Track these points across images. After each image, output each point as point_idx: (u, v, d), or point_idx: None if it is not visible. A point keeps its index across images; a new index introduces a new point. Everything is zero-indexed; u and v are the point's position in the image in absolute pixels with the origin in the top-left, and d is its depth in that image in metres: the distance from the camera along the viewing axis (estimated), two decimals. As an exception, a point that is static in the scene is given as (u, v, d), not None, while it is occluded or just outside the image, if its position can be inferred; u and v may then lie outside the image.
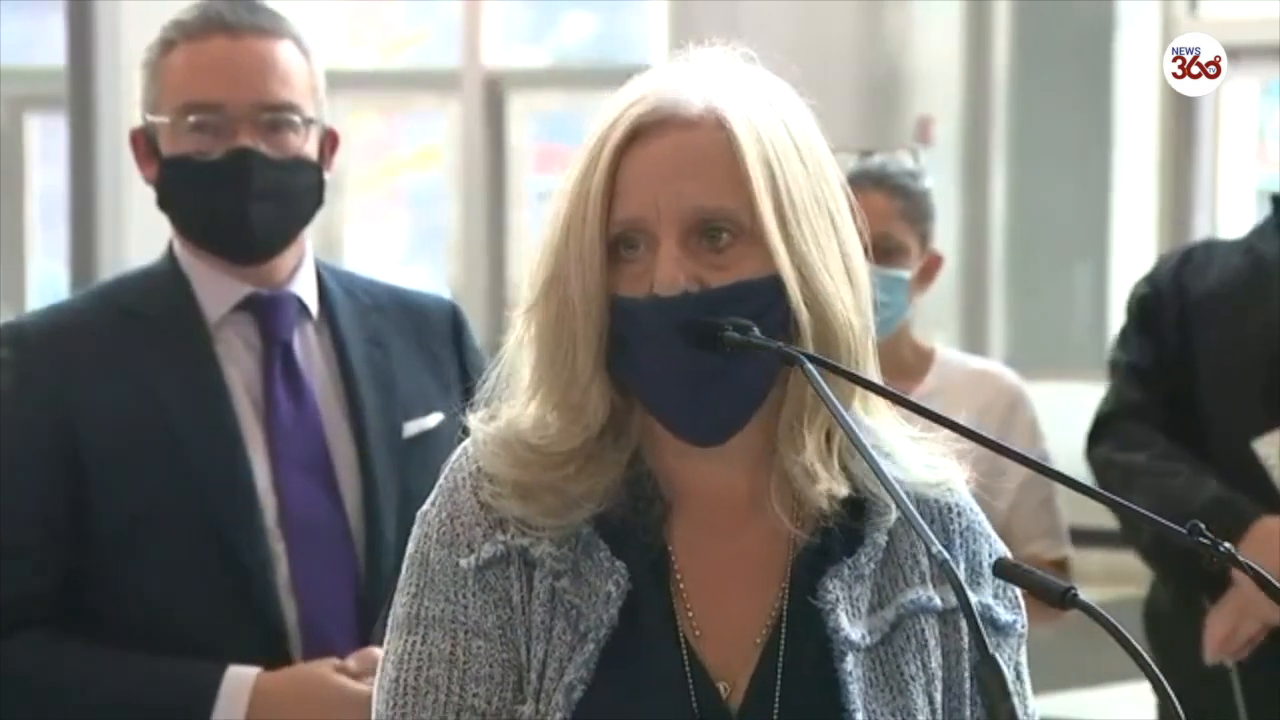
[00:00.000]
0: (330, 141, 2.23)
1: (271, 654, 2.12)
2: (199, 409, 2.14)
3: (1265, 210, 2.92)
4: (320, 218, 2.27)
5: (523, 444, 1.46)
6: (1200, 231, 6.47)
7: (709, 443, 1.45)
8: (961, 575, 1.47)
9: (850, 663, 1.45)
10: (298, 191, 2.18)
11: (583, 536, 1.45)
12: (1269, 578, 1.40)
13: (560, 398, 1.45)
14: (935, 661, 1.48)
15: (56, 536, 2.12)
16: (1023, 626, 1.52)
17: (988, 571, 1.51)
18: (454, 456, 1.49)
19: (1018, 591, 1.53)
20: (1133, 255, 6.86)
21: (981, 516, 1.55)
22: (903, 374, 2.72)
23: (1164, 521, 1.47)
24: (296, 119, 2.16)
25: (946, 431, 1.52)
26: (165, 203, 2.22)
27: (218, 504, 2.13)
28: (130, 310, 2.20)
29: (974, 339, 6.25)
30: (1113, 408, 2.84)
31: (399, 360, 2.24)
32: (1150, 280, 2.87)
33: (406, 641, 1.45)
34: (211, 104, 2.14)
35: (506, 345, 1.50)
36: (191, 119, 2.14)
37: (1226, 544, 1.40)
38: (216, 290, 2.19)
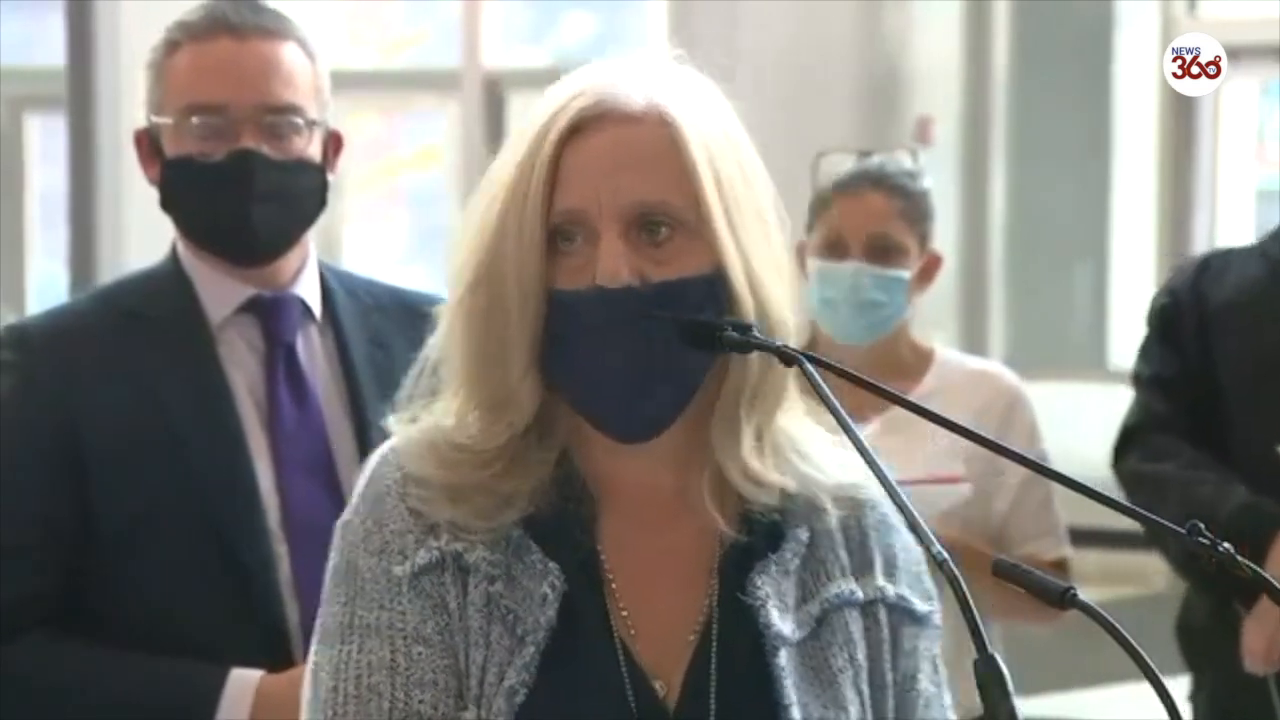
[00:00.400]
0: (334, 143, 2.23)
1: (273, 655, 2.12)
2: (201, 411, 2.14)
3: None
4: (320, 218, 2.27)
5: (449, 444, 1.45)
6: (1200, 232, 6.47)
7: (638, 440, 1.45)
8: (878, 568, 1.50)
9: (783, 657, 1.46)
10: (300, 193, 2.18)
11: (513, 539, 1.45)
12: (1270, 580, 1.40)
13: (489, 394, 1.44)
14: (861, 654, 1.50)
15: (58, 537, 2.12)
16: (938, 618, 1.54)
17: (902, 563, 1.53)
18: (373, 463, 1.48)
19: (931, 584, 1.54)
20: (1132, 256, 6.87)
21: (891, 511, 1.55)
22: (901, 374, 2.72)
23: (1164, 523, 1.47)
24: (300, 121, 2.16)
25: (945, 431, 1.52)
26: (168, 204, 2.22)
27: (219, 505, 2.13)
28: (133, 312, 2.20)
29: (973, 339, 6.26)
30: (1138, 420, 2.83)
31: (401, 361, 2.24)
32: (1169, 290, 2.87)
33: (342, 651, 1.43)
34: (215, 105, 2.14)
35: (430, 343, 1.49)
36: (194, 120, 2.14)
37: (1225, 544, 1.40)
38: (219, 292, 2.19)
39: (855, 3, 6.25)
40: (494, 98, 6.80)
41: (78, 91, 5.75)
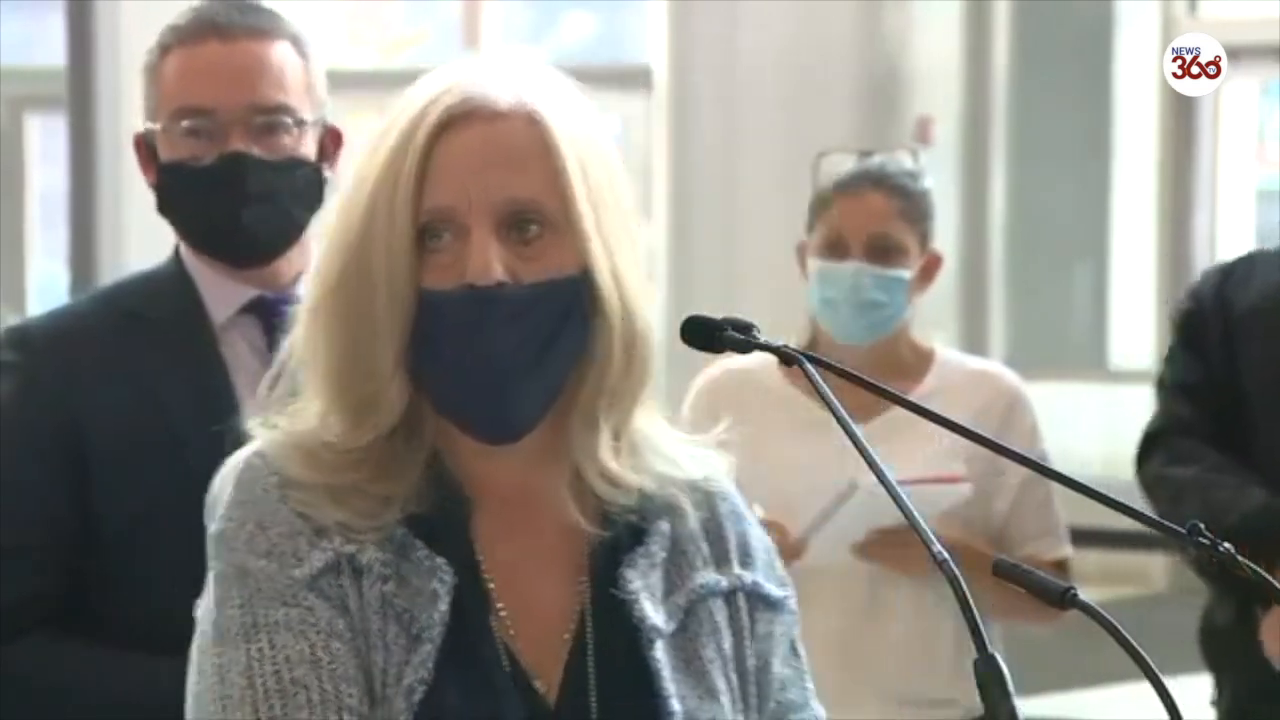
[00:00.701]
0: (333, 139, 2.22)
1: (272, 655, 2.12)
2: (203, 412, 2.14)
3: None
4: (320, 218, 2.26)
5: (321, 445, 1.43)
6: (1200, 232, 6.48)
7: (504, 440, 1.44)
8: (734, 556, 1.51)
9: (659, 650, 1.46)
10: (294, 192, 2.18)
11: (398, 538, 1.43)
12: (1269, 579, 1.40)
13: (354, 396, 1.42)
14: (727, 643, 1.51)
15: (59, 538, 2.12)
16: (794, 603, 1.55)
17: (755, 550, 1.54)
18: (237, 469, 1.45)
19: (784, 571, 1.56)
20: (1132, 256, 6.87)
21: (742, 502, 1.56)
22: (902, 374, 2.72)
23: (1164, 523, 1.47)
24: (289, 120, 2.15)
25: (946, 431, 1.52)
26: (164, 208, 2.22)
27: None
28: (135, 313, 2.20)
29: (973, 339, 6.26)
30: (1162, 425, 2.83)
31: None
32: (1193, 296, 2.86)
33: (249, 649, 1.40)
34: (203, 109, 2.13)
35: (287, 345, 1.47)
36: (184, 124, 2.14)
37: (1226, 544, 1.40)
38: (221, 293, 2.19)
39: (855, 3, 6.25)
40: (494, 98, 6.79)
41: (78, 92, 5.75)
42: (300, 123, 2.15)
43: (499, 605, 1.46)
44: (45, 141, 7.03)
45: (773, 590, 1.53)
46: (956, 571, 1.34)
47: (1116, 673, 2.64)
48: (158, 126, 2.16)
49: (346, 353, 1.43)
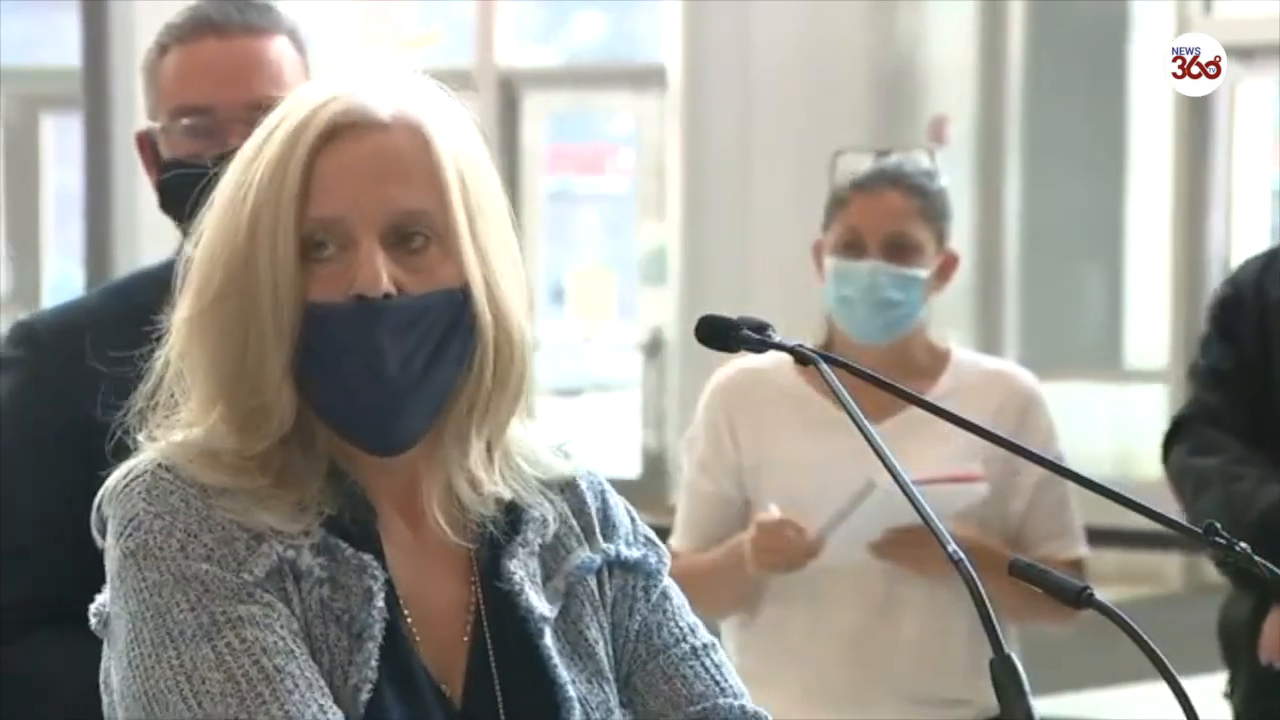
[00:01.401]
0: None
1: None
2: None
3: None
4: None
5: (219, 452, 1.42)
6: (1215, 232, 6.46)
7: (391, 452, 1.44)
8: (597, 529, 1.51)
9: (549, 637, 1.46)
10: None
11: (323, 541, 1.42)
12: (1284, 577, 1.39)
13: (241, 406, 1.41)
14: (605, 618, 1.51)
15: (65, 535, 2.12)
16: (657, 559, 1.54)
17: (617, 522, 1.53)
18: (136, 480, 1.43)
19: (646, 529, 1.56)
20: (1147, 256, 6.85)
21: (603, 477, 1.55)
22: (917, 374, 2.72)
23: (1180, 522, 1.47)
24: None
25: (962, 431, 1.52)
26: (166, 206, 2.23)
27: None
28: (143, 307, 2.20)
29: (988, 338, 6.25)
30: (1191, 411, 2.82)
31: None
32: (1232, 282, 2.86)
33: (214, 645, 1.37)
34: (202, 107, 2.14)
35: (164, 352, 1.46)
36: (184, 123, 2.15)
37: (1243, 544, 1.40)
38: None
39: (869, 2, 6.24)
40: (508, 97, 6.80)
41: (93, 91, 5.75)
42: None
43: (405, 612, 1.45)
44: (60, 141, 7.05)
45: (631, 554, 1.52)
46: (972, 571, 1.34)
47: (1132, 672, 2.64)
48: (159, 125, 2.17)
49: (232, 364, 1.41)
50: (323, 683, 1.38)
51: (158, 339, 2.16)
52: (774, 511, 2.66)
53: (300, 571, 1.41)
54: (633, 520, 1.55)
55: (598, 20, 7.45)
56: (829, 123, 5.75)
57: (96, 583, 2.13)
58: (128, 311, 2.19)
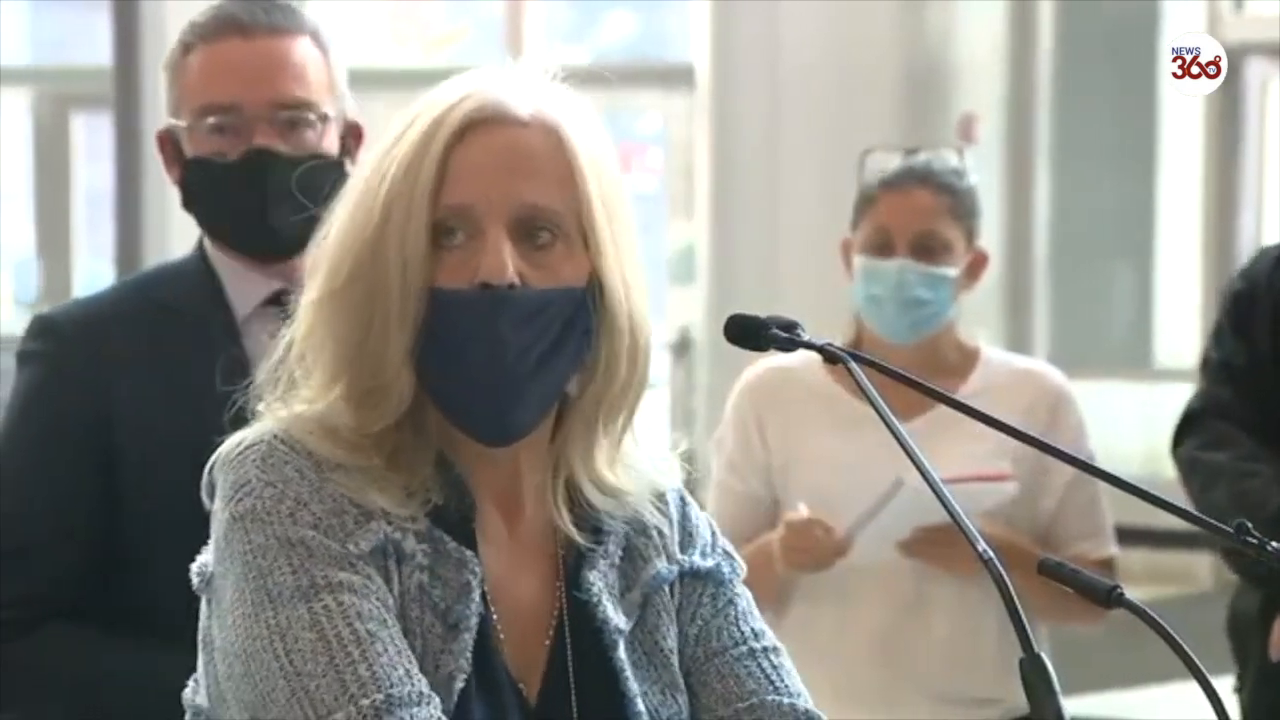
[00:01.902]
0: (354, 134, 2.24)
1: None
2: (226, 402, 2.16)
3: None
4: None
5: (336, 428, 1.44)
6: (1246, 229, 6.43)
7: (501, 442, 1.46)
8: (676, 541, 1.53)
9: (622, 649, 1.48)
10: (316, 188, 2.20)
11: (426, 529, 1.45)
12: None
13: (363, 385, 1.44)
14: (683, 628, 1.53)
15: (84, 527, 2.14)
16: (731, 570, 1.56)
17: (696, 533, 1.56)
18: (252, 449, 1.45)
19: (724, 544, 1.57)
20: (1177, 254, 6.83)
21: (683, 489, 1.59)
22: (947, 373, 2.71)
23: (1212, 522, 1.46)
24: (312, 116, 2.17)
25: (992, 430, 1.52)
26: (189, 204, 2.24)
27: None
28: (163, 304, 2.21)
29: (1017, 337, 6.23)
30: (1201, 405, 2.82)
31: None
32: (1245, 276, 2.85)
33: (311, 607, 1.39)
34: (227, 105, 2.15)
35: (290, 333, 1.48)
36: (209, 121, 2.16)
37: (1275, 544, 1.39)
38: (244, 287, 2.21)
39: (898, 1, 6.23)
40: (536, 96, 6.78)
41: (124, 90, 5.77)
42: (324, 118, 2.17)
43: (493, 610, 1.47)
44: (90, 140, 7.07)
45: (703, 563, 1.55)
46: (1002, 570, 1.34)
47: (1162, 672, 2.63)
48: (182, 123, 2.18)
49: (355, 345, 1.44)
50: (411, 655, 1.40)
51: (174, 333, 2.18)
52: (802, 511, 2.66)
53: (403, 554, 1.43)
54: (713, 533, 1.57)
55: (627, 19, 7.45)
56: (858, 121, 5.74)
57: (107, 580, 2.15)
58: (148, 306, 2.21)
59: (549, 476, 1.50)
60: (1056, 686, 1.30)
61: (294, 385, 1.48)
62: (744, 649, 1.53)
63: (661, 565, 1.52)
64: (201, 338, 2.17)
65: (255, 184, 2.14)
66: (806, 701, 1.53)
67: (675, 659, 1.51)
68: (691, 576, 1.54)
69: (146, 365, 2.15)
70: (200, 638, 1.49)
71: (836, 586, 2.67)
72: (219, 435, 2.11)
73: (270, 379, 1.49)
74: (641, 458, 1.53)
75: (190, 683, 1.51)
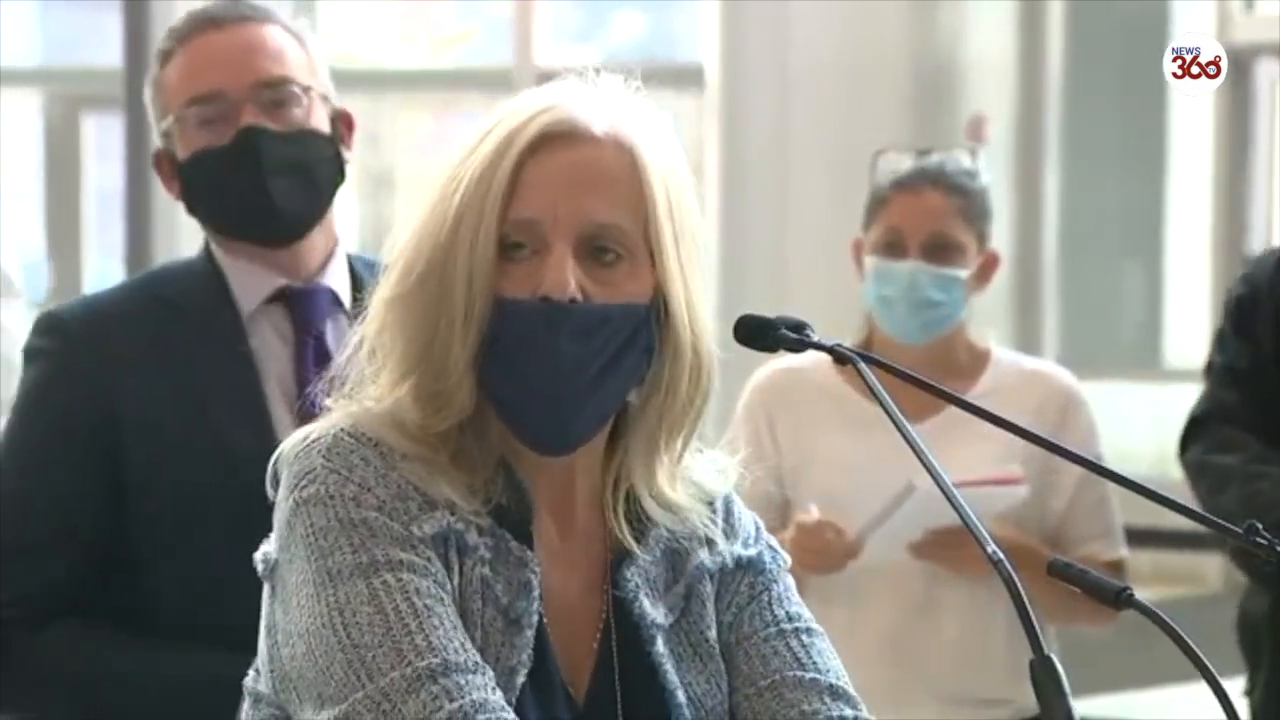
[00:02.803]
0: (345, 122, 2.26)
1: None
2: (234, 400, 2.16)
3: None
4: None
5: (413, 424, 1.46)
6: (1256, 230, 6.42)
7: (556, 453, 1.48)
8: (719, 532, 1.55)
9: (660, 644, 1.50)
10: (312, 163, 2.21)
11: (490, 526, 1.47)
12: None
13: (428, 385, 1.46)
14: (725, 618, 1.54)
15: (91, 525, 2.14)
16: (773, 560, 1.57)
17: (740, 526, 1.57)
18: (318, 441, 1.47)
19: (768, 538, 1.58)
20: (1187, 254, 6.82)
21: (741, 504, 1.60)
22: (957, 374, 2.71)
23: (1222, 523, 1.46)
24: (296, 90, 2.19)
25: (1002, 431, 1.52)
26: (192, 205, 2.25)
27: (252, 493, 2.14)
28: (168, 302, 2.23)
29: (1026, 338, 6.23)
30: (1207, 409, 2.82)
31: None
32: (1247, 280, 2.85)
33: (370, 582, 1.41)
34: (211, 93, 2.18)
35: (362, 330, 1.50)
36: (196, 112, 2.18)
37: (1284, 545, 1.39)
38: (249, 284, 2.22)
39: (908, 1, 6.23)
40: (546, 96, 6.78)
41: (134, 91, 5.77)
42: (307, 90, 2.18)
43: (544, 613, 1.49)
44: (101, 141, 7.08)
45: (746, 553, 1.56)
46: (1012, 571, 1.34)
47: (1172, 673, 2.63)
48: (168, 124, 2.20)
49: (423, 346, 1.46)
50: (466, 634, 1.42)
51: (180, 330, 2.20)
52: (814, 512, 2.66)
53: (465, 546, 1.45)
54: (756, 526, 1.59)
55: (636, 20, 7.46)
56: (867, 122, 5.74)
57: (111, 579, 2.15)
58: (154, 304, 2.22)
59: (609, 489, 1.52)
60: (1066, 687, 1.30)
61: (363, 382, 1.50)
62: (773, 630, 1.54)
63: (704, 556, 1.53)
64: (206, 335, 2.18)
65: (249, 162, 2.16)
66: (835, 677, 1.53)
67: (719, 648, 1.53)
68: (734, 567, 1.55)
69: (152, 363, 2.16)
70: (263, 624, 1.50)
71: (847, 588, 2.67)
72: (222, 432, 2.12)
73: (341, 375, 1.51)
74: (700, 466, 1.55)
75: (251, 671, 1.53)
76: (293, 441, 1.50)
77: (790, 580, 1.59)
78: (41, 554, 2.13)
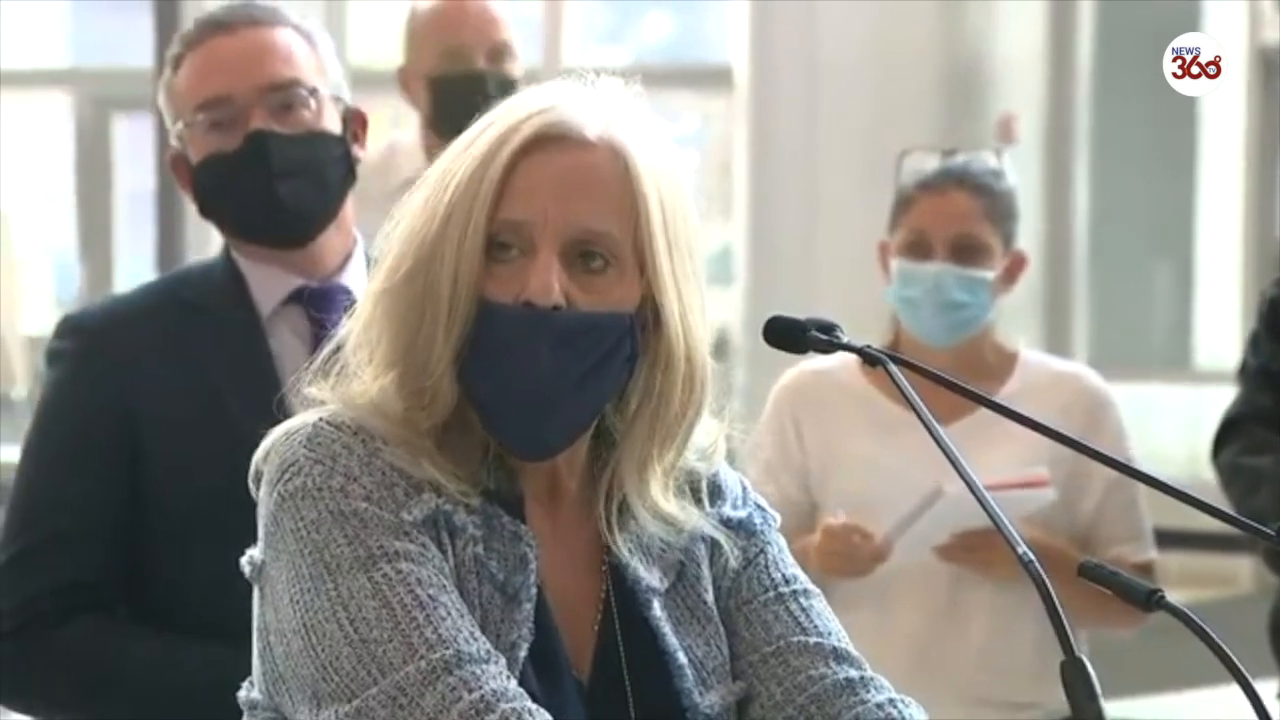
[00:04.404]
0: (358, 121, 2.26)
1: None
2: (252, 400, 2.17)
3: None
4: (349, 193, 2.29)
5: (396, 414, 1.46)
6: (1287, 230, 6.38)
7: (534, 459, 1.48)
8: (705, 497, 1.54)
9: (657, 607, 1.50)
10: (322, 164, 2.22)
11: (480, 505, 1.46)
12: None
13: (411, 382, 1.46)
14: (721, 581, 1.54)
15: (112, 523, 2.15)
16: (763, 520, 1.56)
17: (726, 488, 1.56)
18: (300, 434, 1.46)
19: (755, 497, 1.57)
20: (1218, 254, 6.79)
21: (725, 465, 1.58)
22: (985, 376, 2.70)
23: (1251, 524, 1.46)
24: (304, 92, 2.19)
25: (1030, 433, 1.51)
26: (206, 209, 2.27)
27: None
28: (189, 303, 2.24)
29: (1056, 339, 6.21)
30: (1241, 411, 2.81)
31: None
32: None
33: (371, 575, 1.40)
34: (219, 97, 2.18)
35: (349, 322, 1.49)
36: (205, 117, 2.19)
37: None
38: (267, 285, 2.23)
39: (937, 1, 6.21)
40: (574, 97, 6.78)
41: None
42: (314, 92, 2.19)
43: (544, 597, 1.49)
44: (132, 142, 7.11)
45: (734, 514, 1.56)
46: (1042, 573, 1.34)
47: (1203, 676, 2.62)
48: (184, 132, 2.21)
49: (407, 343, 1.46)
50: (473, 620, 1.42)
51: (199, 331, 2.20)
52: (840, 516, 2.65)
53: (455, 527, 1.45)
54: (744, 488, 1.58)
55: (665, 20, 7.45)
56: (896, 122, 5.73)
57: (133, 576, 2.16)
58: (173, 306, 2.23)
59: (602, 502, 1.51)
60: (1098, 689, 1.29)
61: (347, 375, 1.49)
62: (772, 594, 1.54)
63: (694, 520, 1.53)
64: (226, 336, 2.19)
65: (258, 166, 2.17)
66: (837, 639, 1.53)
67: (715, 611, 1.53)
68: (725, 528, 1.55)
69: (171, 364, 2.18)
70: (255, 628, 1.50)
71: (873, 591, 2.67)
72: (240, 432, 2.13)
73: (323, 367, 1.51)
74: (689, 456, 1.54)
75: (245, 684, 1.52)
76: (273, 437, 1.49)
77: (781, 540, 1.59)
78: (65, 551, 2.14)
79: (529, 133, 1.45)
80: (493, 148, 1.45)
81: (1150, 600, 1.36)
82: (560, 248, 1.45)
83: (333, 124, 2.22)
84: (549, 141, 1.45)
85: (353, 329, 1.50)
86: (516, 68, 3.58)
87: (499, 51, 3.59)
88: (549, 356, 1.44)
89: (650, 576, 1.50)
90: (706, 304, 1.51)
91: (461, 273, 1.44)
